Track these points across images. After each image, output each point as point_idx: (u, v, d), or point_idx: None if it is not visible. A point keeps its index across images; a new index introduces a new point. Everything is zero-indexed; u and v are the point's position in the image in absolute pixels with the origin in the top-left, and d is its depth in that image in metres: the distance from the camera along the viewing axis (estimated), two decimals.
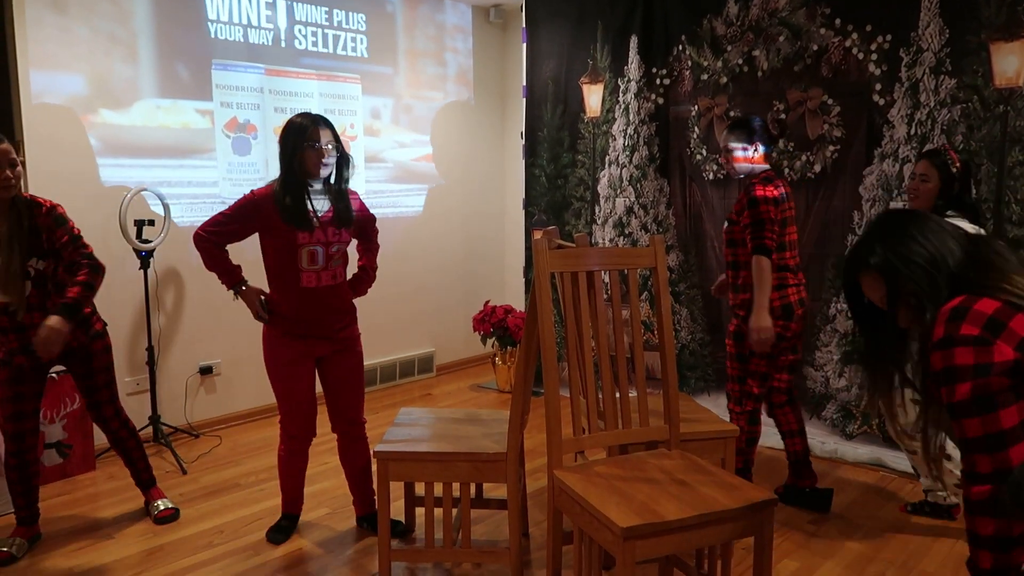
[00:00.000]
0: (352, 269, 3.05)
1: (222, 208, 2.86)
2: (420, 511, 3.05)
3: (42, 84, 3.62)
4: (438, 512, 2.68)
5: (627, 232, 4.65)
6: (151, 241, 3.84)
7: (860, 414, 3.84)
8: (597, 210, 4.80)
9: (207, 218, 2.83)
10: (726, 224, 3.15)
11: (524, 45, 5.05)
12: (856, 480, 3.55)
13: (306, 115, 2.78)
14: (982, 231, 2.91)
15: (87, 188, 3.79)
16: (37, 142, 3.62)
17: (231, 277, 2.83)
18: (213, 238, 2.78)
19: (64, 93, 3.69)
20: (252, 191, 2.81)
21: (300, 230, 2.72)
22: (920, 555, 2.87)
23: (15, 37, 3.52)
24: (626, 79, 4.57)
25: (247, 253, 2.98)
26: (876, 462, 3.70)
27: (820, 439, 3.90)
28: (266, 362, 2.88)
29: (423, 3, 5.27)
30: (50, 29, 3.61)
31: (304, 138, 2.71)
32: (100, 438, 3.83)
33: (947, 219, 3.00)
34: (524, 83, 5.07)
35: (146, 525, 3.13)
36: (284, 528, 3.06)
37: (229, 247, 2.84)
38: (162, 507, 3.19)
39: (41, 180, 3.63)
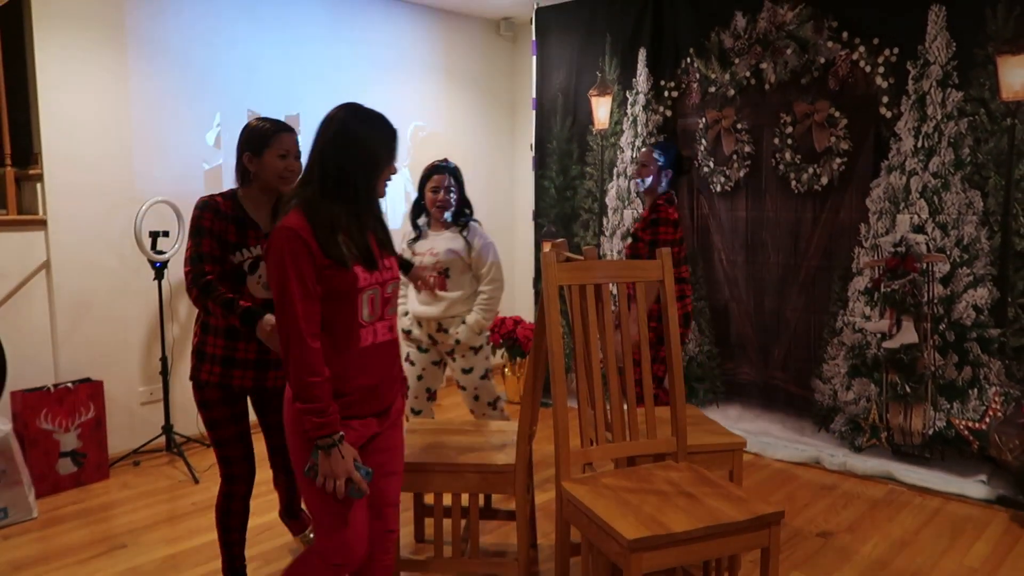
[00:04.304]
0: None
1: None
2: (429, 521, 3.08)
3: (60, 97, 3.68)
4: (447, 523, 2.70)
5: None
6: (165, 252, 3.89)
7: (868, 427, 3.84)
8: (605, 222, 4.82)
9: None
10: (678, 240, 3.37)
11: (534, 58, 5.10)
12: (865, 493, 3.55)
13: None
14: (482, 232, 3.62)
15: (103, 200, 3.85)
16: (55, 155, 3.68)
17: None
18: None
19: (82, 106, 3.76)
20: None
21: (362, 268, 1.90)
22: (928, 568, 2.87)
23: (34, 52, 3.59)
24: (634, 91, 4.61)
25: None
26: (885, 475, 3.70)
27: (829, 452, 3.90)
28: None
29: (433, 16, 5.33)
30: (66, 42, 3.68)
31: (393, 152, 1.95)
32: (114, 447, 3.88)
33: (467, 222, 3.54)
34: (534, 95, 5.12)
35: (159, 534, 3.17)
36: None
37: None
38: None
39: (59, 192, 3.69)
